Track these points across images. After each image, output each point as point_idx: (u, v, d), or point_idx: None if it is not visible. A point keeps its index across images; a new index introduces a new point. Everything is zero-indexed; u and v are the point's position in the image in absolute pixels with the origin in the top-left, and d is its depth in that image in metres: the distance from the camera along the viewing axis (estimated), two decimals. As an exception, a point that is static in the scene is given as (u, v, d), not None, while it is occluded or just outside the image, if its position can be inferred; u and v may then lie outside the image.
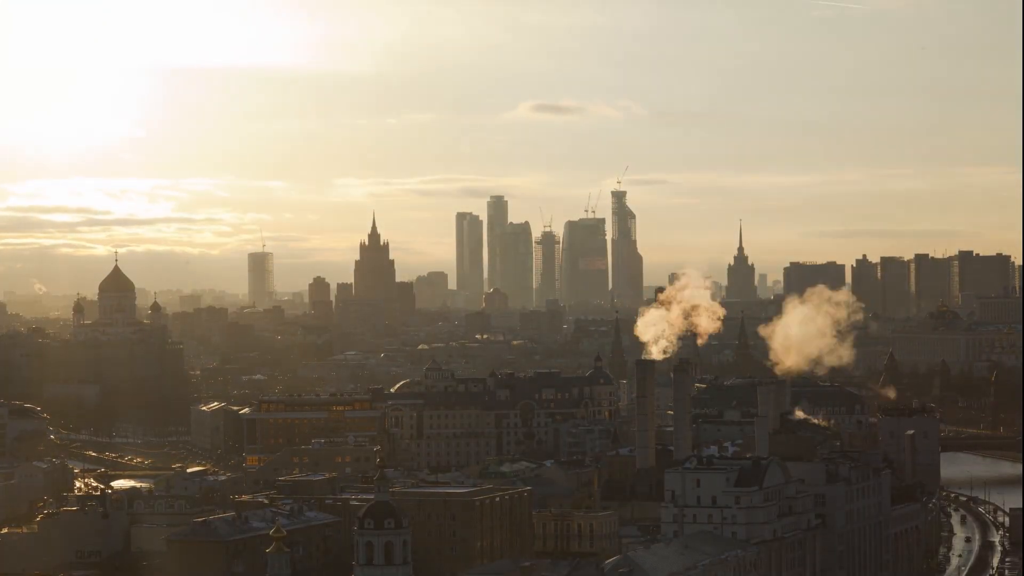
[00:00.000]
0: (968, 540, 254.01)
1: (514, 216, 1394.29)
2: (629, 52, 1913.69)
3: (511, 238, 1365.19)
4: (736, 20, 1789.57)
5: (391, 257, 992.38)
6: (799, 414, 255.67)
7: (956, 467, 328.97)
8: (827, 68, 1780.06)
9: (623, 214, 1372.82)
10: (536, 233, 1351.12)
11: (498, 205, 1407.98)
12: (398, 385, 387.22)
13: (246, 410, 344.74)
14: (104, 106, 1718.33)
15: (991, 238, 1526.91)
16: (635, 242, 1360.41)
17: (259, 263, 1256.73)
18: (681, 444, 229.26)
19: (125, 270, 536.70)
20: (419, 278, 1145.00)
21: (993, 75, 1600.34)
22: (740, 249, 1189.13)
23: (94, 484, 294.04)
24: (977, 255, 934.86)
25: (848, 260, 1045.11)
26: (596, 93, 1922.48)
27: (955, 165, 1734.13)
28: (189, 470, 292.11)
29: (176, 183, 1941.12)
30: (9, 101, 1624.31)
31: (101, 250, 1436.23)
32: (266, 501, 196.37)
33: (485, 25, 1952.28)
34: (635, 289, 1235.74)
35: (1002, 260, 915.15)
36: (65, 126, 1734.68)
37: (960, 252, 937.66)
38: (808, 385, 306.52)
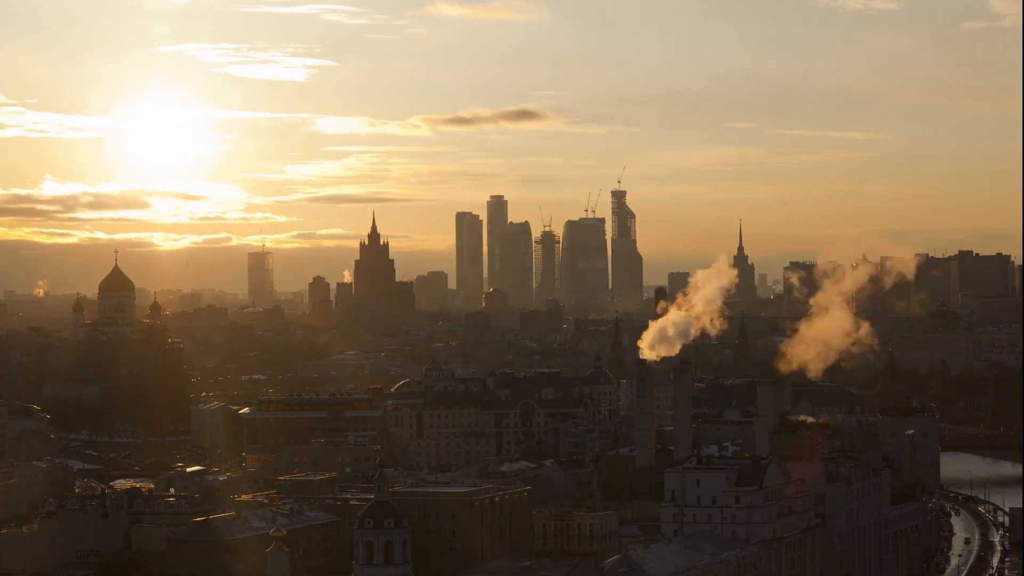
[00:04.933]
0: (968, 540, 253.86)
1: (514, 216, 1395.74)
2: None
3: (511, 238, 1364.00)
4: (738, 24, 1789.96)
5: (391, 257, 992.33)
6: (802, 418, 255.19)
7: (956, 467, 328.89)
8: (828, 67, 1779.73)
9: (623, 214, 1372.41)
10: (536, 233, 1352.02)
11: (498, 205, 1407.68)
12: (398, 385, 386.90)
13: (246, 410, 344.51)
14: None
15: (991, 238, 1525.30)
16: (635, 242, 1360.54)
17: (259, 263, 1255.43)
18: (681, 444, 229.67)
19: (125, 270, 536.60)
20: (419, 278, 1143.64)
21: (993, 75, 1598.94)
22: (740, 249, 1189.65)
23: (94, 484, 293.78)
24: (977, 255, 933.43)
25: (848, 260, 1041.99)
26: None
27: (956, 165, 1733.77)
28: (189, 470, 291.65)
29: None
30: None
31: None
32: (266, 501, 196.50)
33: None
34: (635, 289, 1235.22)
35: (1002, 260, 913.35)
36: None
37: (960, 252, 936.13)
38: (808, 385, 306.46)
